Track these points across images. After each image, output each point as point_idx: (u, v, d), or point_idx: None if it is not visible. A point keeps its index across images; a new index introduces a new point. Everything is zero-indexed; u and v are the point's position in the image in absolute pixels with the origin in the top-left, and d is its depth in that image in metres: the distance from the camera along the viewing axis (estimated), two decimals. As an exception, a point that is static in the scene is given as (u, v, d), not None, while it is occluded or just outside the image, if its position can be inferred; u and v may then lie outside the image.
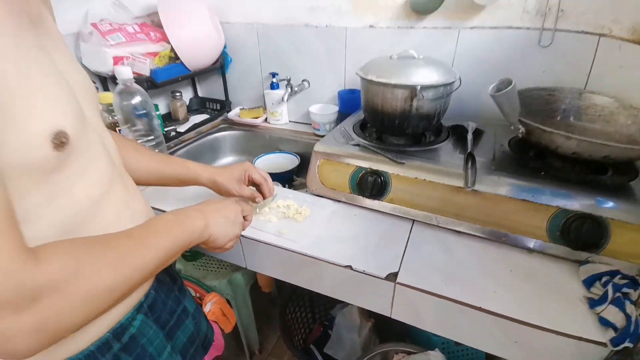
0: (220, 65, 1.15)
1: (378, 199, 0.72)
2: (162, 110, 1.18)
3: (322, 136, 0.87)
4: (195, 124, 1.12)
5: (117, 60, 0.85)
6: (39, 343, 0.29)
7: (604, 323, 0.50)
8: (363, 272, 0.58)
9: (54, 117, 0.34)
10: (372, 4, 0.94)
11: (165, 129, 1.06)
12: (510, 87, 0.59)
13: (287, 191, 0.81)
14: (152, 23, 1.00)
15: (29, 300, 0.28)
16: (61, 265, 0.30)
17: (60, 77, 0.37)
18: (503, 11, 0.82)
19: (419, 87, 0.68)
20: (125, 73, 0.72)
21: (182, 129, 1.08)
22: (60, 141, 0.34)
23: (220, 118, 1.23)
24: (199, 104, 1.29)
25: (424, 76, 0.70)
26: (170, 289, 0.56)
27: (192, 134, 1.11)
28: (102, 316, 0.36)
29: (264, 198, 0.72)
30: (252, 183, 0.72)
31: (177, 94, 1.14)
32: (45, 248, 0.31)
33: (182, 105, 1.17)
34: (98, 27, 0.84)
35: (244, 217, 0.59)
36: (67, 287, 0.30)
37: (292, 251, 0.63)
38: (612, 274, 0.56)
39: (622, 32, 0.78)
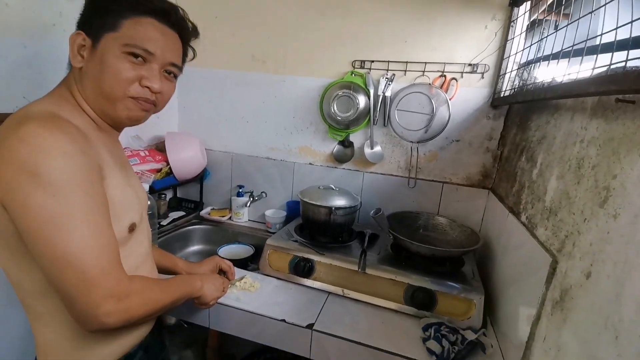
0: (200, 177, 1.55)
1: (307, 278, 1.08)
2: (147, 206, 1.50)
3: (273, 233, 1.26)
4: (174, 219, 1.45)
5: (133, 173, 1.22)
6: (123, 320, 0.56)
7: (429, 352, 0.86)
8: (292, 324, 0.91)
9: (132, 216, 0.68)
10: (311, 152, 1.47)
11: (150, 222, 1.37)
12: (380, 213, 1.06)
13: (244, 271, 1.14)
14: (157, 148, 1.42)
15: (124, 296, 0.56)
16: (140, 284, 0.61)
17: (135, 192, 0.71)
18: (387, 165, 1.38)
19: (333, 208, 1.13)
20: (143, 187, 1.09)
21: (164, 222, 1.40)
22: (132, 228, 0.68)
23: (193, 215, 1.57)
24: (176, 202, 1.63)
25: (338, 201, 1.16)
26: (161, 348, 0.81)
27: (169, 226, 1.43)
28: (116, 347, 0.65)
29: (230, 280, 1.03)
30: (221, 270, 1.02)
31: (163, 195, 1.49)
32: (133, 276, 0.61)
33: (164, 203, 1.51)
34: (124, 151, 1.22)
35: (223, 287, 0.90)
36: (142, 294, 0.60)
37: (246, 311, 0.94)
38: (439, 324, 0.94)
39: (458, 180, 1.34)
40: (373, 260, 1.07)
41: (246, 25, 1.44)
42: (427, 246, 1.01)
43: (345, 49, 1.35)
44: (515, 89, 1.09)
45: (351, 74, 1.34)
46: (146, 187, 1.09)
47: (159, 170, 1.33)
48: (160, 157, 1.37)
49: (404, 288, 0.99)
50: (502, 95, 1.16)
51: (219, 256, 1.08)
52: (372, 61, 1.33)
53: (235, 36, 1.46)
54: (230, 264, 1.04)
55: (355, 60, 1.34)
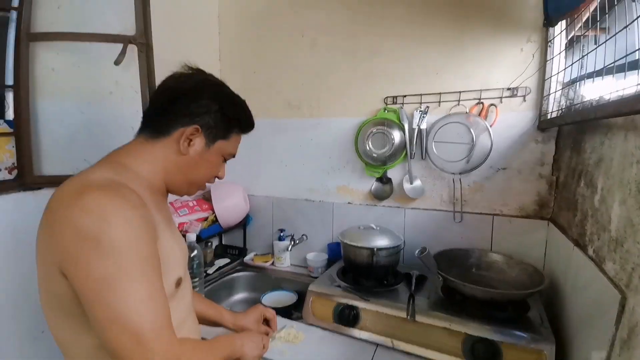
0: (243, 224, 1.60)
1: (352, 327, 1.02)
2: (195, 254, 1.56)
3: (316, 277, 1.23)
4: (220, 266, 1.49)
5: (181, 225, 1.29)
6: None
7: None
8: (339, 380, 0.85)
9: (178, 271, 0.70)
10: (349, 190, 1.45)
11: (198, 270, 1.41)
12: (426, 252, 0.99)
13: (288, 321, 1.10)
14: (203, 198, 1.50)
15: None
16: (189, 348, 0.61)
17: (179, 246, 0.74)
18: (429, 200, 1.32)
19: (375, 249, 1.08)
20: (191, 238, 1.14)
21: (210, 270, 1.43)
22: (178, 283, 0.70)
23: (237, 261, 1.60)
24: (221, 249, 1.68)
25: (379, 241, 1.11)
26: None
27: (216, 274, 1.46)
28: None
29: (273, 330, 1.00)
30: (265, 320, 1.00)
31: (209, 243, 1.55)
32: (182, 339, 0.60)
33: (211, 251, 1.56)
34: (173, 205, 1.31)
35: (264, 345, 0.87)
36: (190, 358, 0.59)
37: (290, 365, 0.90)
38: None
39: (510, 212, 1.23)
40: (423, 306, 0.98)
41: (281, 75, 1.54)
42: (484, 288, 0.92)
43: (377, 87, 1.36)
44: (563, 110, 1.01)
45: (384, 110, 1.35)
46: (194, 236, 1.14)
47: (206, 219, 1.39)
48: (206, 206, 1.44)
49: (462, 339, 0.89)
50: (548, 117, 1.07)
51: (263, 304, 1.07)
52: (405, 96, 1.32)
53: (272, 86, 1.56)
54: (273, 312, 1.02)
55: (387, 97, 1.35)
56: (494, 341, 0.86)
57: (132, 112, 1.17)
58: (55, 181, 1.08)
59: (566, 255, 0.92)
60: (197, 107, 0.68)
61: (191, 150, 0.69)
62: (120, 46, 1.15)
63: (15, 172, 1.06)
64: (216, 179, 0.78)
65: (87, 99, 1.14)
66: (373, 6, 1.34)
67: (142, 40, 1.18)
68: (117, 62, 1.16)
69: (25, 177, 1.06)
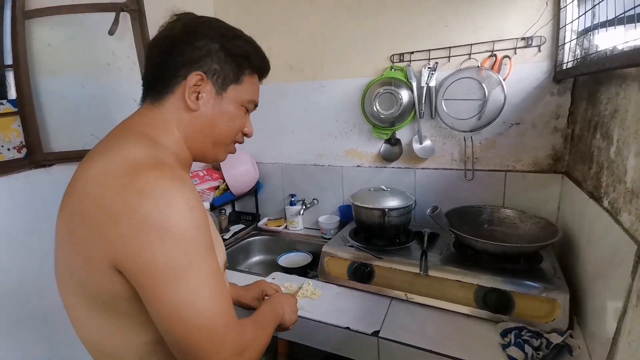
0: (254, 190, 1.62)
1: (367, 283, 1.06)
2: (210, 222, 1.60)
3: (329, 239, 1.27)
4: (235, 232, 1.53)
5: (194, 193, 1.31)
6: None
7: (510, 359, 0.79)
8: (356, 331, 0.90)
9: (223, 253, 0.64)
10: (358, 154, 1.44)
11: (214, 237, 1.46)
12: (437, 211, 1.00)
13: (305, 279, 1.15)
14: (213, 167, 1.51)
15: (243, 350, 0.51)
16: (251, 333, 0.56)
17: (214, 227, 0.63)
18: (439, 159, 1.31)
19: (387, 209, 1.09)
20: (204, 206, 1.16)
21: (226, 236, 1.48)
22: (226, 265, 0.68)
23: (252, 226, 1.64)
24: (235, 216, 1.72)
25: (390, 202, 1.12)
26: None
27: (232, 239, 1.51)
28: None
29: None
30: (266, 296, 0.92)
31: (223, 210, 1.58)
32: (243, 325, 0.54)
33: (225, 218, 1.59)
34: (184, 174, 1.32)
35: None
36: (254, 343, 0.55)
37: (309, 319, 0.95)
38: (520, 328, 0.86)
39: (524, 167, 1.22)
40: (435, 262, 1.01)
41: (281, 37, 1.47)
42: (496, 243, 0.93)
43: (383, 45, 1.31)
44: (578, 60, 0.97)
45: (391, 69, 1.30)
46: (207, 204, 1.17)
47: (217, 188, 1.41)
48: (217, 175, 1.45)
49: (474, 290, 0.92)
50: (564, 68, 1.03)
51: (265, 280, 0.99)
52: (412, 52, 1.27)
53: (272, 49, 1.50)
54: (278, 287, 0.96)
55: (393, 55, 1.30)
56: (505, 291, 0.89)
57: (132, 84, 1.16)
58: (66, 157, 1.10)
59: (580, 208, 0.92)
60: (193, 51, 0.57)
61: (202, 104, 0.58)
62: (113, 15, 1.12)
63: (24, 150, 1.07)
64: (245, 138, 0.69)
65: (85, 73, 1.13)
66: (378, -46, 1.25)
67: (133, 6, 1.14)
68: (111, 32, 1.12)
69: (36, 155, 1.07)
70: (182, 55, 0.57)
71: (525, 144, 1.18)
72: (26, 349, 1.04)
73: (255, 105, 0.67)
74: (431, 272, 0.97)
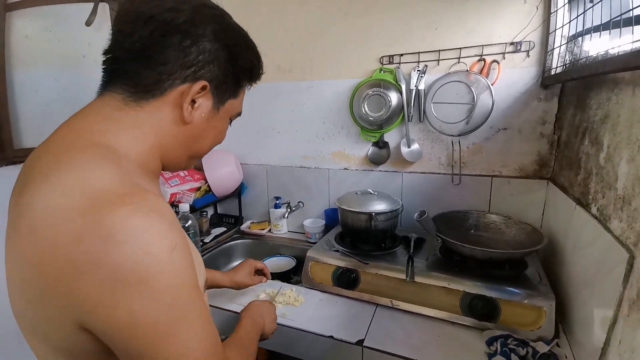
0: (238, 192, 1.57)
1: (352, 289, 1.03)
2: (191, 224, 1.54)
3: (314, 243, 1.22)
4: (216, 235, 1.47)
5: (173, 195, 1.26)
6: None
7: (496, 368, 0.77)
8: (340, 340, 0.86)
9: (202, 274, 0.56)
10: (345, 156, 1.42)
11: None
12: (425, 215, 0.98)
13: (287, 285, 1.11)
14: (195, 167, 1.45)
15: None
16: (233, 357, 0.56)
17: (190, 242, 0.51)
18: (427, 163, 1.29)
19: (373, 214, 1.07)
20: (184, 208, 1.11)
21: (207, 239, 1.42)
22: (206, 286, 0.60)
23: (234, 230, 1.58)
24: (217, 219, 1.66)
25: (377, 206, 1.10)
26: None
27: (212, 242, 1.45)
28: None
29: (267, 278, 1.04)
30: (257, 270, 1.02)
31: (204, 212, 1.52)
32: (229, 355, 0.52)
33: (206, 220, 1.53)
34: (163, 175, 1.26)
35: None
36: None
37: (291, 327, 0.91)
38: (506, 336, 0.84)
39: (509, 172, 1.21)
40: (422, 267, 0.99)
41: (269, 36, 1.44)
42: (482, 249, 0.92)
43: (372, 46, 1.29)
44: (567, 65, 0.96)
45: (380, 71, 1.28)
46: (187, 206, 1.11)
47: (199, 189, 1.35)
48: (198, 176, 1.40)
49: (460, 296, 0.90)
50: (553, 73, 1.03)
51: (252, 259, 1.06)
52: (401, 54, 1.25)
53: (259, 48, 1.45)
54: (264, 264, 1.05)
55: (382, 57, 1.28)
56: (491, 298, 0.87)
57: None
58: (36, 153, 1.03)
59: (566, 215, 0.92)
60: (199, 54, 0.47)
61: (196, 116, 0.50)
62: (91, 6, 1.06)
63: (-6, 147, 1.00)
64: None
65: (60, 65, 1.07)
66: (368, -46, 1.23)
67: (113, -4, 1.09)
68: (88, 23, 1.07)
69: (6, 152, 1.01)
70: (186, 53, 0.46)
71: (511, 150, 1.18)
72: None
73: (239, 115, 0.61)
74: (417, 278, 0.95)
